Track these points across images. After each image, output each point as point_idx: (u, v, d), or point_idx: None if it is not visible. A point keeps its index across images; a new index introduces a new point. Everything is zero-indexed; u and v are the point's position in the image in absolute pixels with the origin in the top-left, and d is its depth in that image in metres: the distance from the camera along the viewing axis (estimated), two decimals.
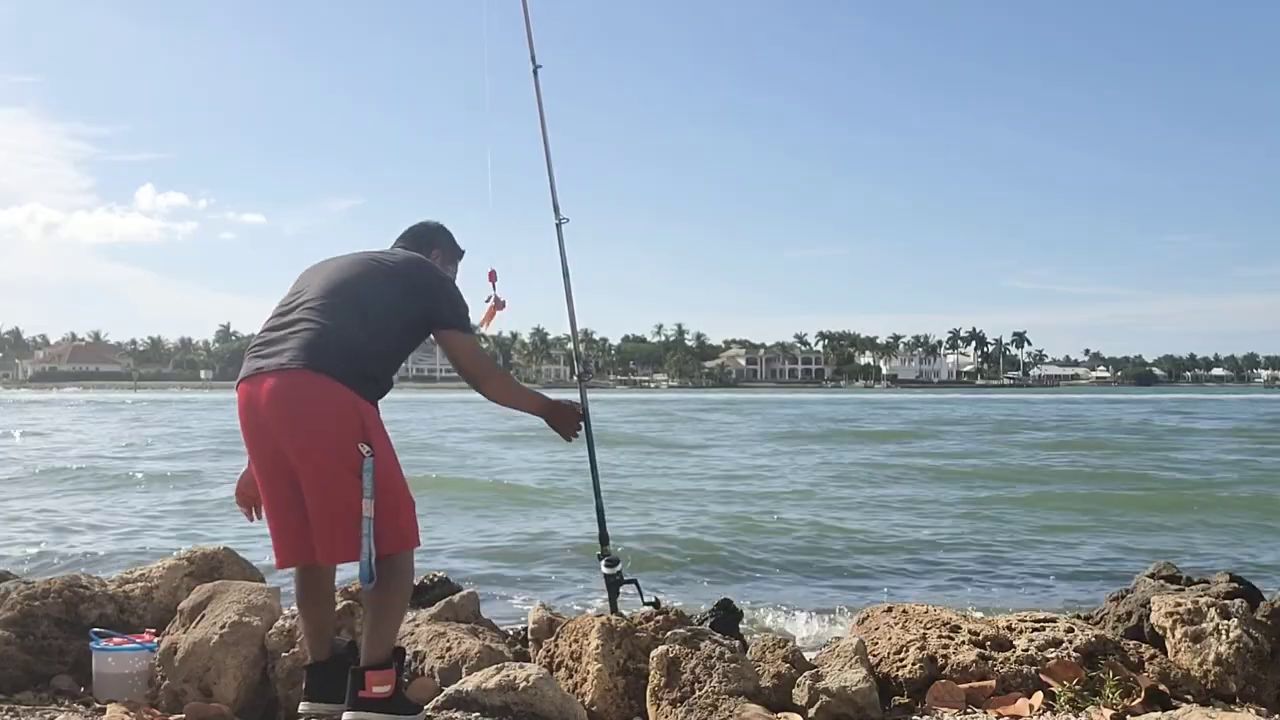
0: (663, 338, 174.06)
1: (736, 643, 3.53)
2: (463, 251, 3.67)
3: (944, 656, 3.63)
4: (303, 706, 3.15)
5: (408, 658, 3.51)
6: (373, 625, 3.04)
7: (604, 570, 3.99)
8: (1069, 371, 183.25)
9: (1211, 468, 16.66)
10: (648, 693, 3.34)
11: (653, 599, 3.91)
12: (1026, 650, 3.63)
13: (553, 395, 3.70)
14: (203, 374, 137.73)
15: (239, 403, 3.08)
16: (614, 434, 24.60)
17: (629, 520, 9.99)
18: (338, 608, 3.54)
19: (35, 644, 3.72)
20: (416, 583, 6.14)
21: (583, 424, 3.76)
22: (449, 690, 3.23)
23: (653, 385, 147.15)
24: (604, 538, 4.08)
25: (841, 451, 20.63)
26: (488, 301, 3.73)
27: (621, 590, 3.98)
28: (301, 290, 3.23)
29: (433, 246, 3.55)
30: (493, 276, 3.69)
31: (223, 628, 3.49)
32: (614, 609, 3.91)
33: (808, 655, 3.66)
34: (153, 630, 3.76)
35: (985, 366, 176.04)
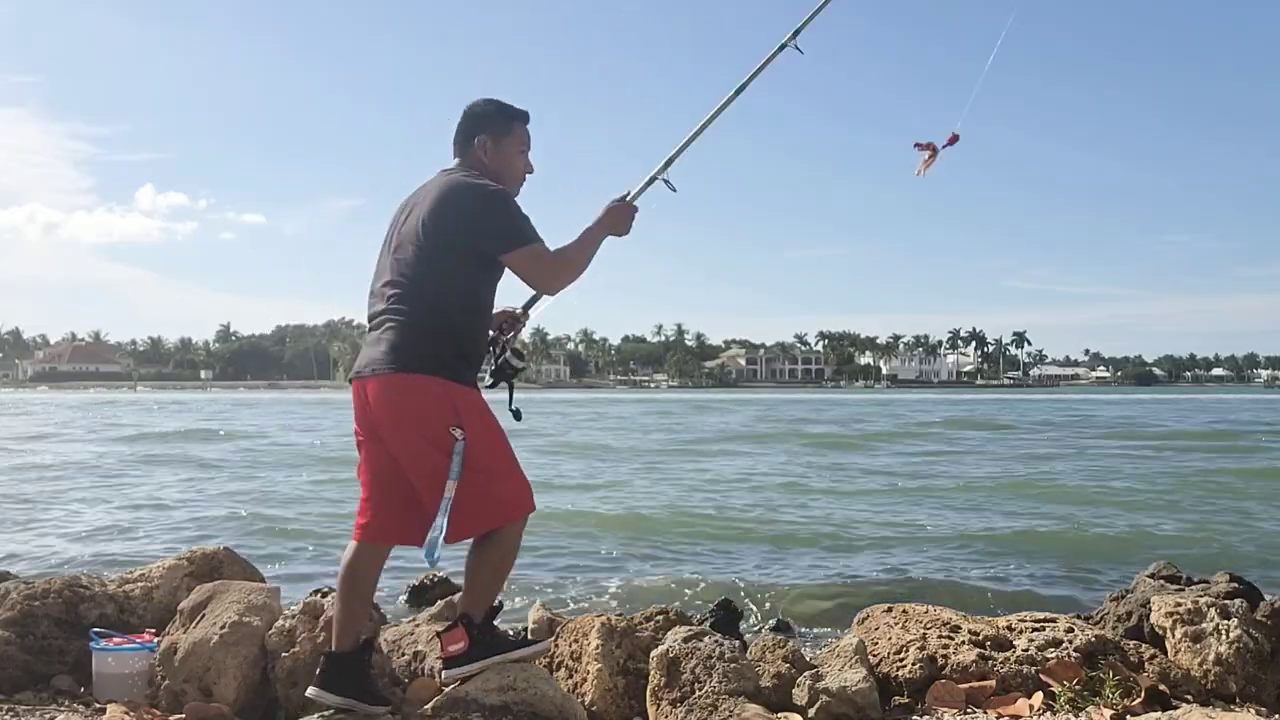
0: (663, 338, 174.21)
1: (736, 643, 3.53)
2: (521, 112, 3.43)
3: (944, 656, 3.63)
4: (311, 691, 3.18)
5: (411, 659, 3.53)
6: (466, 588, 3.27)
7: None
8: (1069, 371, 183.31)
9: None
10: (648, 693, 3.34)
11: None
12: (1026, 650, 3.63)
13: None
14: (203, 374, 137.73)
15: (353, 395, 3.28)
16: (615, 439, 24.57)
17: (632, 516, 10.00)
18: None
19: (35, 644, 3.72)
20: (416, 583, 6.18)
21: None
22: (449, 690, 3.23)
23: (653, 385, 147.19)
24: None
25: (842, 453, 20.63)
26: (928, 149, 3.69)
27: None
28: (379, 270, 3.30)
29: (476, 134, 3.36)
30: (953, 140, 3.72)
31: (223, 628, 3.48)
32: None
33: (808, 655, 3.66)
34: (153, 630, 3.76)
35: (985, 366, 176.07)
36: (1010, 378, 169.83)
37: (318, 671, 3.23)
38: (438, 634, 3.32)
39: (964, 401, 63.40)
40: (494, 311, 3.43)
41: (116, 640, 3.61)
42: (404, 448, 3.15)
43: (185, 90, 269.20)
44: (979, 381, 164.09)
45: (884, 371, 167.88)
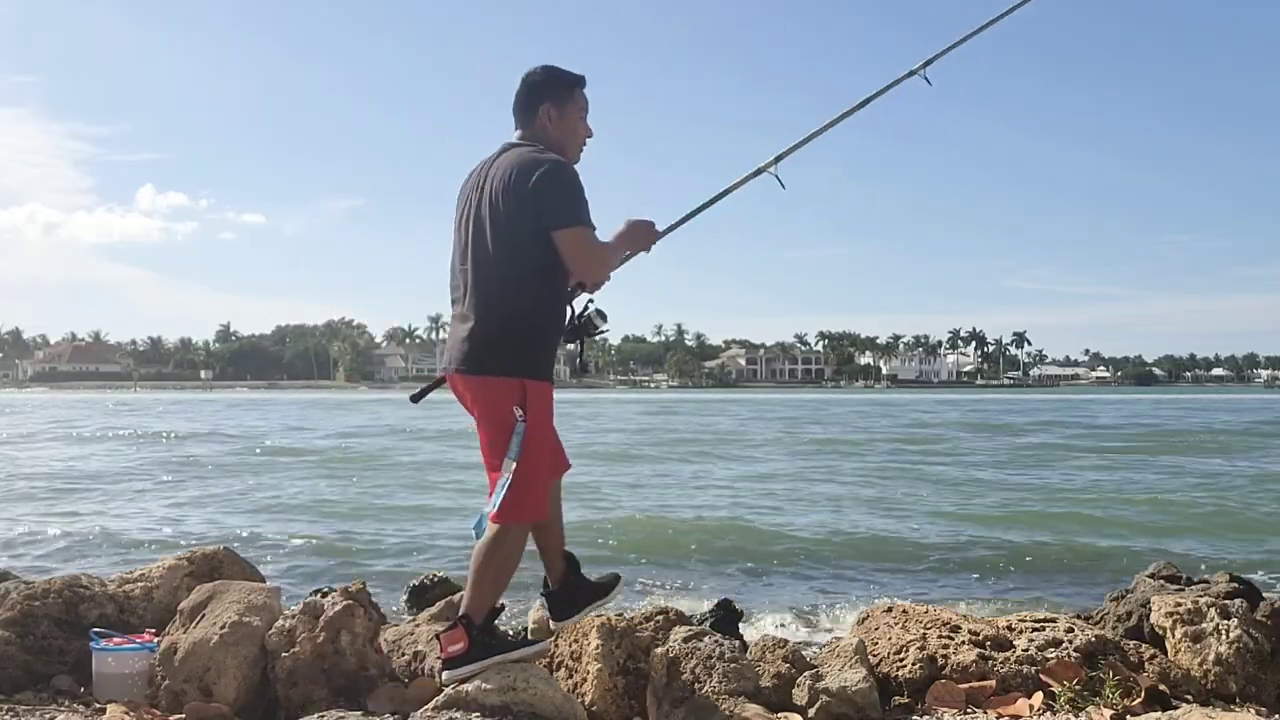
0: (663, 338, 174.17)
1: (736, 643, 3.53)
2: (579, 76, 3.44)
3: (944, 656, 3.62)
4: (553, 625, 3.58)
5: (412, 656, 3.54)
6: (469, 585, 3.33)
7: None
8: (1069, 371, 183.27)
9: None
10: (648, 693, 3.34)
11: None
12: (1026, 650, 3.63)
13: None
14: (203, 374, 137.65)
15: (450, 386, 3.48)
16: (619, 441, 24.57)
17: (630, 516, 10.00)
18: (338, 609, 3.54)
19: (35, 644, 3.72)
20: (416, 583, 6.19)
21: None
22: (449, 690, 3.23)
23: (653, 385, 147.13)
24: None
25: (844, 453, 20.63)
26: None
27: None
28: (456, 250, 3.39)
29: (540, 103, 3.37)
30: None
31: (223, 628, 3.48)
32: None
33: (808, 655, 3.66)
34: (153, 630, 3.76)
35: (985, 366, 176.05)
36: (1010, 378, 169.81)
37: (549, 610, 3.56)
38: (437, 635, 3.37)
39: (965, 402, 63.37)
40: (632, 222, 3.48)
41: (116, 640, 3.61)
42: (482, 431, 3.36)
43: (185, 90, 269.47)
44: (979, 381, 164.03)
45: (884, 371, 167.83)
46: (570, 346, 3.53)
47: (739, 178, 3.79)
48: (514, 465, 3.18)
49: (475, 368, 3.27)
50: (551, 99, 3.37)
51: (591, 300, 3.45)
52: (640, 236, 3.49)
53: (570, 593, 3.53)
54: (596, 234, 3.27)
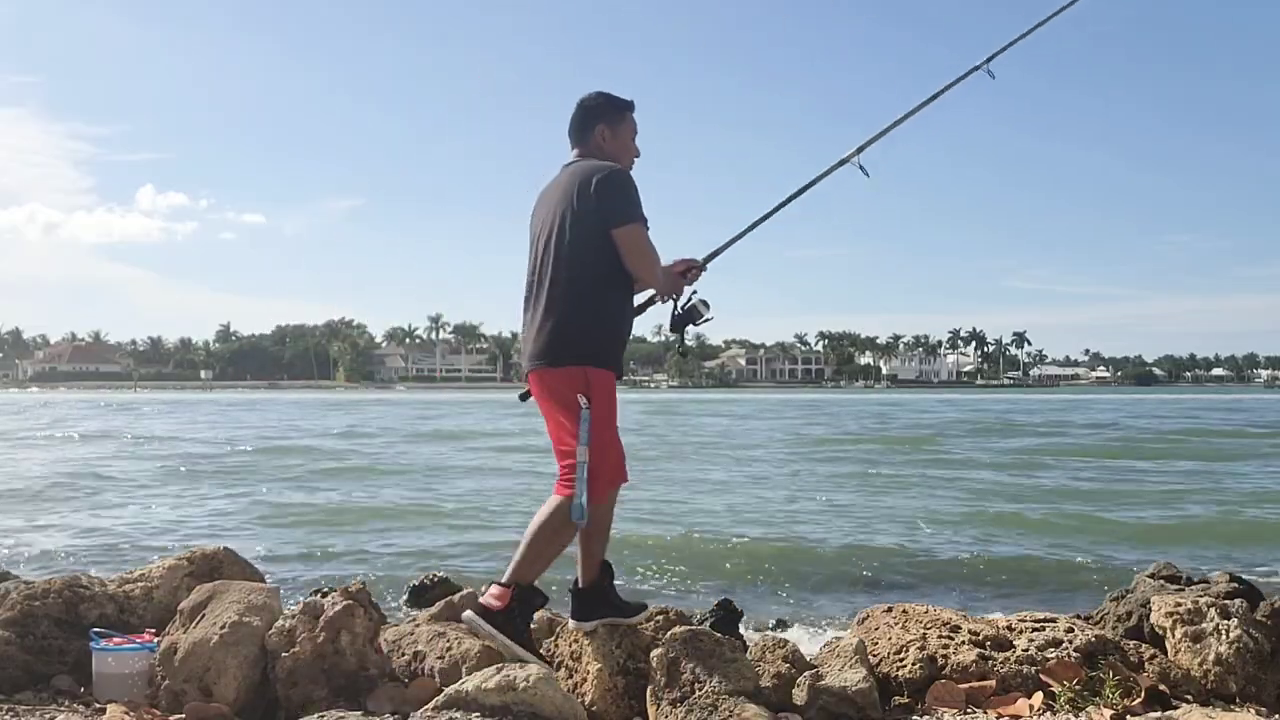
0: (663, 338, 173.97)
1: (736, 643, 3.53)
2: (629, 102, 3.74)
3: (944, 656, 3.62)
4: (571, 624, 3.63)
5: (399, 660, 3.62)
6: (520, 550, 3.55)
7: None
8: (1069, 371, 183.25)
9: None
10: (648, 693, 3.34)
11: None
12: (1026, 650, 3.63)
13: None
14: (203, 374, 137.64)
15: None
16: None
17: (632, 518, 10.00)
18: (338, 609, 3.54)
19: (35, 644, 3.72)
20: (416, 583, 6.20)
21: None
22: (449, 690, 3.23)
23: (653, 385, 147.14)
24: None
25: (844, 452, 20.63)
26: None
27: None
28: (530, 262, 3.66)
29: (595, 124, 3.68)
30: None
31: (223, 628, 3.48)
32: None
33: (808, 655, 3.66)
34: (153, 630, 3.76)
35: (985, 366, 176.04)
36: (1010, 378, 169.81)
37: (571, 609, 3.62)
38: (571, 590, 3.61)
39: (965, 402, 63.39)
40: (676, 259, 3.73)
41: (116, 640, 3.61)
42: (553, 422, 3.56)
43: (185, 90, 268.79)
44: (979, 381, 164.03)
45: (884, 371, 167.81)
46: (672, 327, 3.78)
47: (822, 170, 4.04)
48: (585, 450, 3.40)
49: (543, 361, 3.52)
50: (606, 121, 3.68)
51: (695, 290, 3.74)
52: (668, 284, 3.69)
53: (597, 597, 3.60)
54: (649, 235, 3.55)
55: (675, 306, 3.72)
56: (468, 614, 3.58)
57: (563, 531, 3.52)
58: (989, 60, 4.19)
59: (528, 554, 3.54)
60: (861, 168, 4.01)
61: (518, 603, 3.51)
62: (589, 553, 3.58)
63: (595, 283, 3.51)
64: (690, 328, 3.81)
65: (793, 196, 4.06)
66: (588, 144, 3.67)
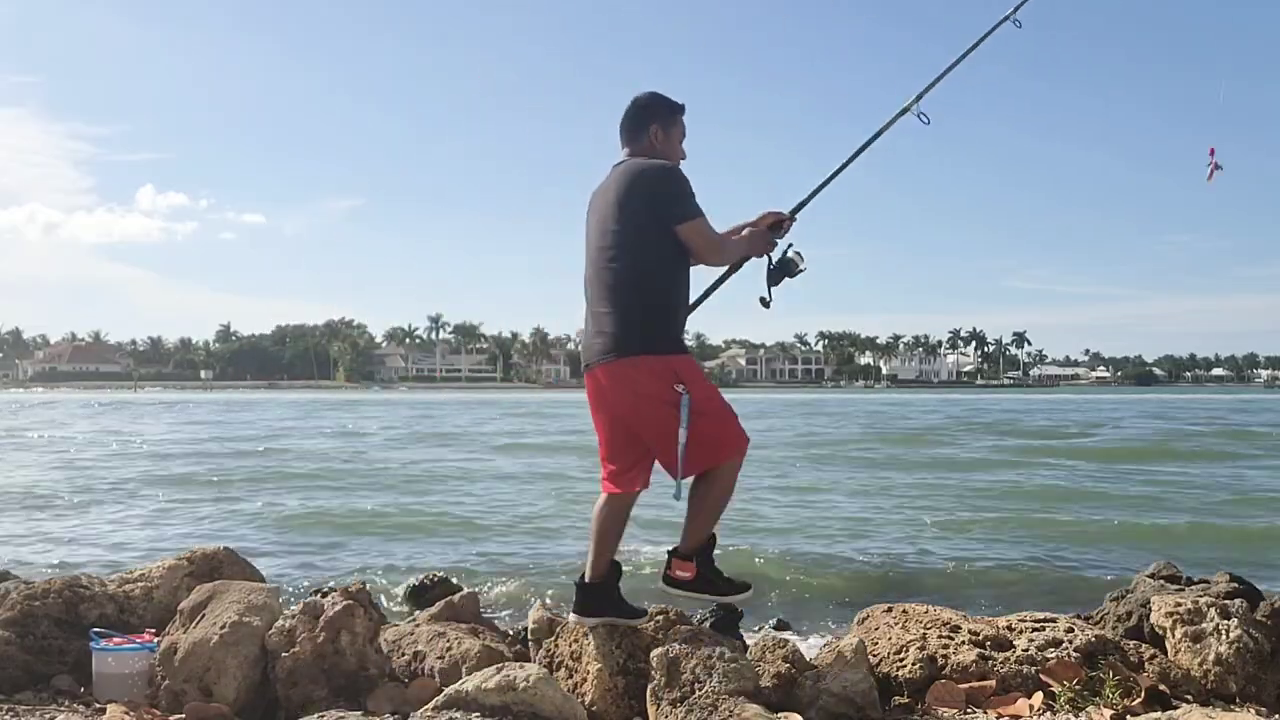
0: None
1: (736, 643, 3.53)
2: (681, 105, 3.81)
3: (944, 656, 3.62)
4: (571, 618, 3.68)
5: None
6: (689, 519, 3.64)
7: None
8: (1069, 371, 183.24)
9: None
10: (648, 693, 3.34)
11: None
12: (1026, 650, 3.63)
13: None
14: (203, 374, 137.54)
15: (586, 386, 3.74)
16: None
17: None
18: (338, 609, 3.54)
19: (35, 644, 3.72)
20: (416, 583, 6.20)
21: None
22: (449, 690, 3.23)
23: None
24: None
25: (844, 453, 20.62)
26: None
27: None
28: (587, 262, 3.72)
29: (649, 124, 3.73)
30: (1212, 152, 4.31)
31: (223, 628, 3.48)
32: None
33: (808, 655, 3.66)
34: (153, 630, 3.76)
35: (985, 366, 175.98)
36: (1010, 378, 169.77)
37: (574, 600, 3.66)
38: (670, 552, 3.72)
39: (965, 401, 63.38)
40: (764, 213, 3.88)
41: (116, 640, 3.61)
42: (639, 417, 3.58)
43: (185, 90, 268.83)
44: (979, 381, 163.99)
45: (884, 371, 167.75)
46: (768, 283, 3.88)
47: (883, 122, 4.16)
48: (685, 434, 3.45)
49: (619, 352, 3.55)
50: (659, 121, 3.75)
51: (791, 244, 3.85)
52: (759, 243, 3.84)
53: (602, 594, 3.65)
54: (710, 222, 3.68)
55: (770, 261, 3.82)
56: (660, 586, 3.73)
57: (723, 487, 3.62)
58: (1016, 10, 4.40)
59: (694, 521, 3.65)
60: (921, 115, 4.18)
61: (703, 563, 3.67)
62: (700, 516, 3.64)
63: (658, 279, 3.60)
64: (786, 280, 3.87)
65: (864, 147, 4.16)
66: (640, 143, 3.73)
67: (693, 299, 3.82)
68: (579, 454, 19.75)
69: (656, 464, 3.64)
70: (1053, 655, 3.58)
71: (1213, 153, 4.37)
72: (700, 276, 3.83)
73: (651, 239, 3.58)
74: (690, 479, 3.57)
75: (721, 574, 3.75)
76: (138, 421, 33.94)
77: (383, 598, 5.91)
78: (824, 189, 4.04)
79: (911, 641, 3.70)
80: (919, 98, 4.19)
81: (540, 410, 44.11)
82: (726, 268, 3.88)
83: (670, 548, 3.75)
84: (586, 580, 3.66)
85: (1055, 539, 9.09)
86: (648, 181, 3.58)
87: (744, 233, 3.84)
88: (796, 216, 3.93)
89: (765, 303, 3.88)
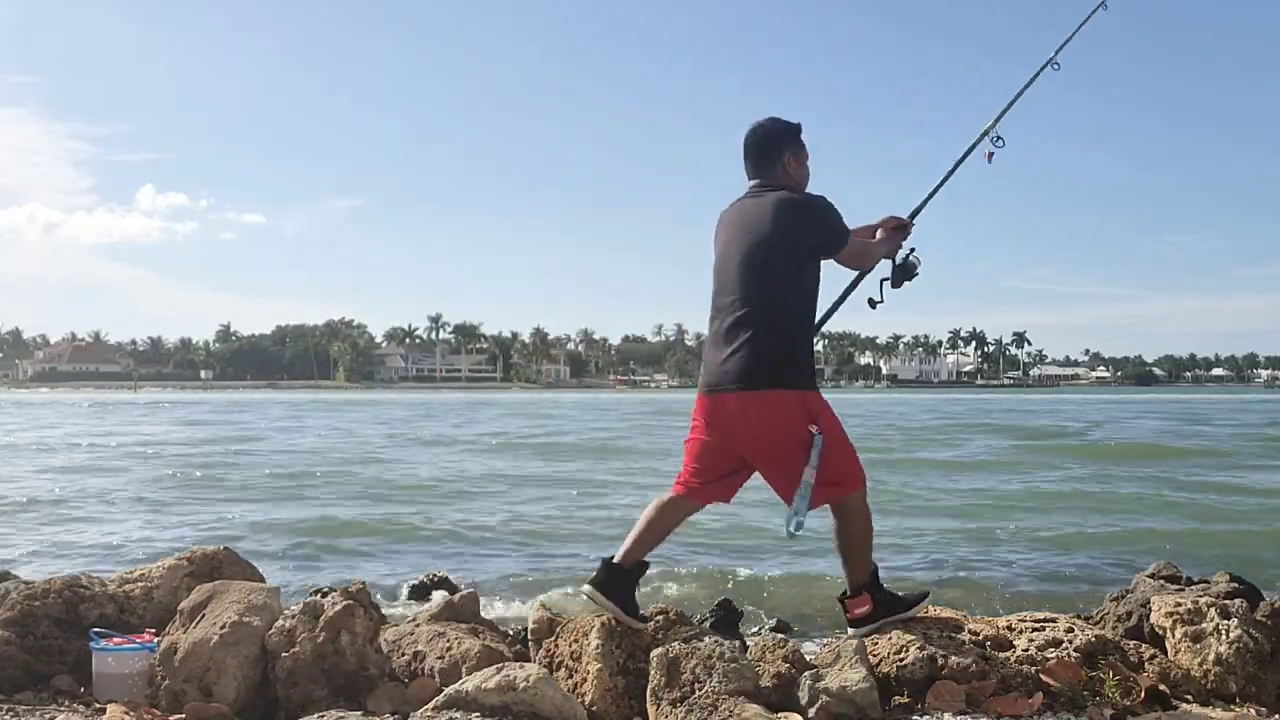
0: (663, 338, 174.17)
1: (736, 643, 3.53)
2: (799, 125, 3.87)
3: (944, 656, 3.62)
4: (585, 589, 3.68)
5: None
6: (845, 561, 3.75)
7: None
8: (1069, 371, 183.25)
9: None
10: (648, 693, 3.34)
11: None
12: (1026, 650, 3.63)
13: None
14: (203, 374, 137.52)
15: (702, 408, 3.73)
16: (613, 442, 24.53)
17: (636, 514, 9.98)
18: (338, 608, 3.54)
19: (35, 644, 3.72)
20: (416, 582, 6.20)
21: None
22: (449, 690, 3.24)
23: (653, 385, 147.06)
24: None
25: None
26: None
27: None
28: (723, 280, 3.73)
29: (782, 153, 3.80)
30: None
31: (223, 628, 3.48)
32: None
33: (808, 655, 3.66)
34: (153, 630, 3.76)
35: (985, 366, 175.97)
36: (1010, 378, 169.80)
37: (595, 574, 3.66)
38: (841, 599, 3.82)
39: (965, 401, 63.33)
40: (886, 217, 4.02)
41: (116, 640, 3.61)
42: (767, 453, 3.64)
43: (185, 90, 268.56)
44: (979, 381, 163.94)
45: (884, 371, 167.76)
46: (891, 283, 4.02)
47: (969, 143, 4.34)
48: (813, 474, 3.52)
49: (760, 384, 3.57)
50: (790, 149, 3.81)
51: (913, 248, 3.99)
52: (893, 247, 3.98)
53: (620, 583, 3.67)
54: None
55: (892, 263, 3.96)
56: (851, 634, 3.71)
57: (860, 520, 3.72)
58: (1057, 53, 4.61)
59: (850, 560, 3.75)
60: (997, 139, 4.37)
61: (876, 590, 3.77)
62: (854, 553, 3.74)
63: (798, 312, 3.68)
64: (906, 283, 4.02)
65: (964, 156, 4.31)
66: (775, 172, 3.78)
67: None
68: (582, 456, 19.77)
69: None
70: (1053, 655, 3.58)
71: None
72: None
73: (802, 274, 3.67)
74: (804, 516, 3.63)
75: (895, 594, 3.85)
76: (132, 423, 33.93)
77: (382, 598, 5.91)
78: (935, 195, 4.16)
79: (911, 641, 3.69)
80: (996, 122, 4.40)
81: (544, 410, 44.11)
82: (859, 272, 3.99)
83: (839, 595, 3.86)
84: (615, 561, 3.71)
85: (1055, 539, 9.09)
86: (805, 218, 3.66)
87: (878, 235, 3.97)
88: (915, 221, 4.06)
89: (874, 304, 4.00)
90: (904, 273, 3.98)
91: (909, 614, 3.79)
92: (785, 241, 3.63)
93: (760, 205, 3.71)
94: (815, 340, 3.87)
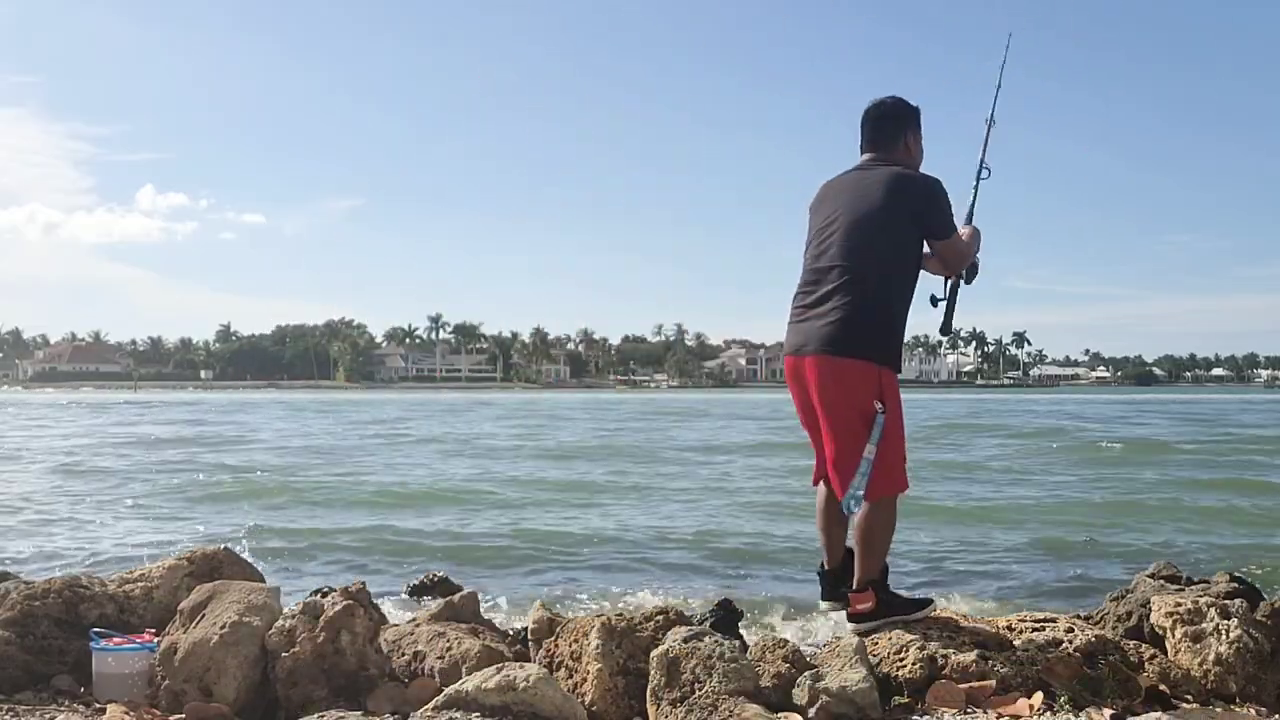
0: (663, 338, 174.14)
1: (736, 643, 3.53)
2: (919, 108, 3.89)
3: (944, 656, 3.62)
4: (822, 605, 3.94)
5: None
6: (860, 553, 3.72)
7: None
8: (1069, 371, 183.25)
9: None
10: (648, 693, 3.34)
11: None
12: (1026, 650, 3.63)
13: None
14: (203, 374, 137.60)
15: (786, 369, 3.83)
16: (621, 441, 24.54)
17: (636, 515, 10.00)
18: (338, 608, 3.54)
19: (35, 644, 3.72)
20: (416, 582, 6.20)
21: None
22: (449, 690, 3.23)
23: (653, 385, 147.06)
24: None
25: None
26: None
27: None
28: (823, 245, 3.72)
29: (904, 131, 3.83)
30: None
31: (223, 628, 3.48)
32: None
33: (808, 655, 3.66)
34: (153, 630, 3.76)
35: (985, 366, 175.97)
36: (1010, 378, 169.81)
37: (823, 592, 3.93)
38: (845, 591, 3.80)
39: (964, 401, 63.37)
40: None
41: (116, 640, 3.61)
42: (833, 418, 3.67)
43: (185, 90, 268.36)
44: (979, 381, 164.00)
45: None
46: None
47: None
48: (874, 450, 3.55)
49: (840, 350, 3.60)
50: (911, 128, 3.85)
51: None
52: (978, 250, 3.96)
53: (836, 582, 3.86)
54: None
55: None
56: (850, 629, 3.75)
57: (888, 517, 3.72)
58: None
59: (865, 554, 3.73)
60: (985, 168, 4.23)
61: (882, 590, 3.77)
62: (870, 549, 3.72)
63: (896, 288, 3.68)
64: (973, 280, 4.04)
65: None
66: (894, 149, 3.80)
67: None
68: (583, 456, 19.78)
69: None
70: (1053, 655, 3.58)
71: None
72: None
73: (906, 252, 3.67)
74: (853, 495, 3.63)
75: (899, 595, 3.85)
76: (129, 423, 33.94)
77: (383, 598, 5.90)
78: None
79: (911, 641, 3.70)
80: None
81: (551, 411, 44.11)
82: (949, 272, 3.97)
83: (844, 588, 3.84)
84: (827, 568, 3.89)
85: (1055, 539, 9.09)
86: (921, 197, 3.66)
87: (971, 234, 3.95)
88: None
89: (936, 301, 3.99)
90: (973, 270, 4.01)
91: (909, 618, 3.78)
92: (895, 216, 3.63)
93: (874, 177, 3.71)
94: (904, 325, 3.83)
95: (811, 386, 3.69)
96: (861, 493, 3.56)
